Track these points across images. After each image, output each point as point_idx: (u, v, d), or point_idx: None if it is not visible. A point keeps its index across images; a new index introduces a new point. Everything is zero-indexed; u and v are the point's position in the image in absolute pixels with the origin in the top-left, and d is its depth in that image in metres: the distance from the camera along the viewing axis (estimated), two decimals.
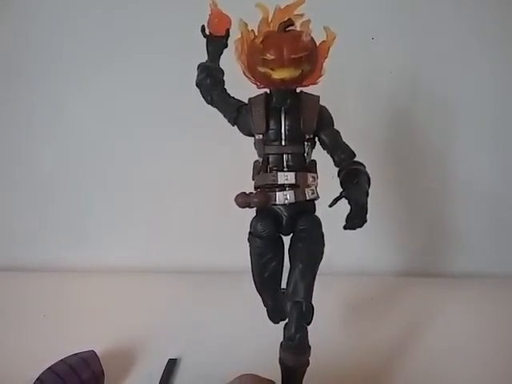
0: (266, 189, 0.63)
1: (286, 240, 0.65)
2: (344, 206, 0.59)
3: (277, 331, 0.63)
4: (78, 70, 1.09)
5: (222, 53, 0.68)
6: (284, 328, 0.62)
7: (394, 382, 0.75)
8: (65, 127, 1.14)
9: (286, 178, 0.62)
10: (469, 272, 1.12)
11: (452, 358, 0.81)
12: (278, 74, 0.60)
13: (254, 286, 0.67)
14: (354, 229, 0.59)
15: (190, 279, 1.08)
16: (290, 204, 0.62)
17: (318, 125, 0.63)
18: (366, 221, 0.59)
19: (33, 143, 1.15)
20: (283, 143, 0.63)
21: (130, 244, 1.18)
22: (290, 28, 0.61)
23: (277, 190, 0.62)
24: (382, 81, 1.06)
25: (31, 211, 1.19)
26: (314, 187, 0.64)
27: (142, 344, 0.85)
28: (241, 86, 0.64)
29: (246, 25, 0.62)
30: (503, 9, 1.02)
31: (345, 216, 0.59)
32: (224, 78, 0.68)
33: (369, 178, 0.62)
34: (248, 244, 0.64)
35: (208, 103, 0.67)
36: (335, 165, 0.65)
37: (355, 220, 0.59)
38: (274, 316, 0.70)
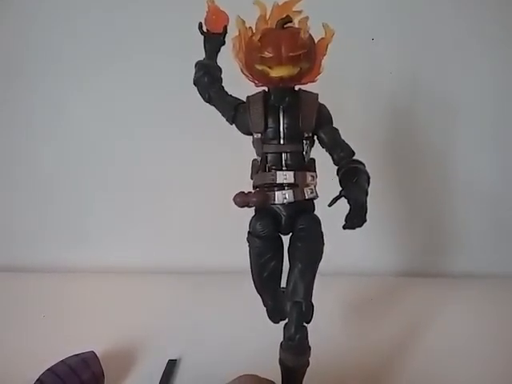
0: (264, 188, 0.63)
1: (286, 239, 0.64)
2: (343, 206, 0.59)
3: (277, 331, 0.63)
4: (77, 70, 1.09)
5: (219, 50, 0.67)
6: (284, 328, 0.62)
7: (394, 382, 0.75)
8: (65, 127, 1.14)
9: (285, 177, 0.62)
10: (469, 272, 1.12)
11: (452, 358, 0.80)
12: (276, 72, 0.60)
13: (253, 286, 0.67)
14: (354, 228, 0.59)
15: (189, 279, 1.08)
16: (289, 203, 0.62)
17: (317, 123, 0.63)
18: (365, 220, 0.59)
19: (33, 143, 1.15)
20: (282, 142, 0.63)
21: (130, 244, 1.18)
22: (288, 25, 0.60)
23: (275, 189, 0.62)
24: (381, 81, 1.06)
25: (31, 211, 1.19)
26: (313, 186, 0.63)
27: (141, 344, 0.85)
28: (239, 84, 0.64)
29: (244, 22, 0.61)
30: (503, 9, 1.02)
31: (344, 215, 0.59)
32: (222, 75, 0.67)
33: (368, 177, 0.62)
34: (247, 244, 0.64)
35: (206, 101, 0.67)
36: (334, 163, 0.65)
37: (355, 220, 0.58)
38: (274, 316, 0.70)
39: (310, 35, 0.60)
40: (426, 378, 0.76)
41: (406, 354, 0.81)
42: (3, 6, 1.07)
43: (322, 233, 0.63)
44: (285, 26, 0.60)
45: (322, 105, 0.64)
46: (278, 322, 0.69)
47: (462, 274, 1.13)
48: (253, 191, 0.63)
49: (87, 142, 1.14)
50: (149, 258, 1.15)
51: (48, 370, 0.69)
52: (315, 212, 0.65)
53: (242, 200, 0.61)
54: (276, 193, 0.62)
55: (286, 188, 0.62)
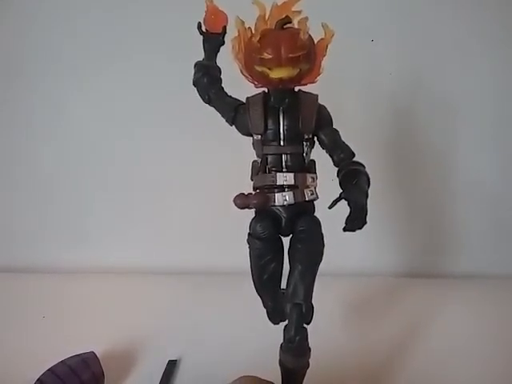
0: (264, 190, 0.63)
1: (286, 241, 0.64)
2: (344, 207, 0.59)
3: (277, 332, 0.63)
4: (77, 70, 1.10)
5: (218, 50, 0.67)
6: (284, 330, 0.62)
7: (394, 382, 0.75)
8: (65, 127, 1.14)
9: (285, 178, 0.62)
10: (469, 272, 1.12)
11: (452, 358, 0.81)
12: (275, 74, 0.59)
13: (253, 287, 0.67)
14: (354, 230, 0.59)
15: (189, 280, 1.08)
16: (289, 205, 0.62)
17: (317, 124, 0.63)
18: (365, 222, 0.59)
19: (33, 143, 1.15)
20: (282, 143, 0.62)
21: (130, 244, 1.18)
22: (288, 25, 0.60)
23: (276, 190, 0.62)
24: (381, 81, 1.06)
25: (31, 211, 1.19)
26: (313, 188, 0.63)
27: (142, 345, 0.85)
28: (239, 85, 0.63)
29: (243, 22, 0.61)
30: (503, 9, 1.02)
31: (344, 216, 0.59)
32: (221, 76, 0.67)
33: (368, 179, 0.62)
34: (247, 245, 0.64)
35: (205, 102, 0.66)
36: (334, 164, 0.65)
37: (355, 222, 0.58)
38: (274, 317, 0.70)
39: (310, 36, 0.60)
40: (426, 378, 0.76)
41: (406, 354, 0.81)
42: (3, 6, 1.07)
43: (322, 234, 0.63)
44: (284, 26, 0.60)
45: (322, 106, 0.64)
46: (278, 324, 0.69)
47: (462, 274, 1.13)
48: (253, 193, 0.63)
49: (87, 142, 1.14)
50: (149, 258, 1.15)
51: (48, 370, 0.69)
52: (315, 213, 0.65)
53: (242, 202, 0.60)
54: (276, 194, 0.62)
55: (286, 190, 0.62)
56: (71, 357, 0.72)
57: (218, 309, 0.95)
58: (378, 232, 1.12)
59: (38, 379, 0.68)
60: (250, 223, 0.63)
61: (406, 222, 1.15)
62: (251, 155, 0.65)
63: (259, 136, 0.63)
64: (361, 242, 1.05)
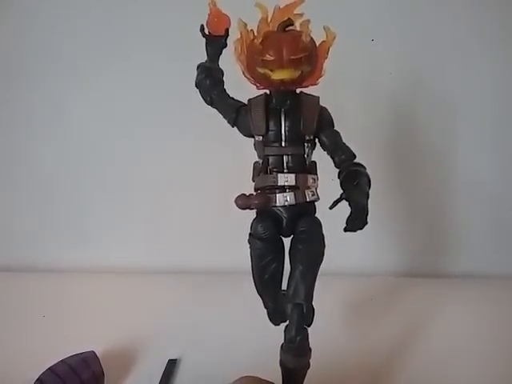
0: (266, 190, 0.63)
1: (287, 242, 0.64)
2: (344, 207, 0.59)
3: (277, 332, 0.63)
4: (77, 70, 1.09)
5: (221, 53, 0.67)
6: (284, 330, 0.62)
7: (394, 382, 0.75)
8: (65, 127, 1.14)
9: (286, 179, 0.62)
10: (469, 272, 1.12)
11: (452, 358, 0.81)
12: (277, 75, 0.60)
13: (253, 287, 0.67)
14: (355, 231, 0.59)
15: (189, 280, 1.08)
16: (290, 206, 0.62)
17: (318, 126, 0.63)
18: (366, 223, 0.59)
19: (33, 143, 1.15)
20: (283, 144, 0.63)
21: (130, 244, 1.18)
22: (290, 28, 0.60)
23: (277, 191, 0.62)
24: (382, 81, 1.06)
25: (31, 211, 1.19)
26: (314, 189, 0.64)
27: (142, 344, 0.85)
28: (241, 87, 0.64)
29: (246, 25, 0.61)
30: (503, 9, 1.02)
31: (345, 217, 0.59)
32: (224, 78, 0.67)
33: (369, 180, 0.62)
34: (248, 246, 0.64)
35: (207, 104, 0.67)
36: (335, 166, 0.65)
37: (356, 222, 0.58)
38: (275, 318, 0.70)
39: (312, 38, 0.60)
40: (426, 378, 0.76)
41: (406, 354, 0.82)
42: (3, 6, 1.07)
43: (323, 235, 0.63)
44: (286, 29, 0.60)
45: (323, 108, 0.65)
46: (278, 324, 0.69)
47: (462, 274, 1.13)
48: (254, 193, 0.63)
49: (87, 142, 1.14)
50: (149, 258, 1.15)
51: (48, 369, 0.69)
52: (316, 214, 0.65)
53: (243, 202, 0.61)
54: (277, 195, 0.62)
55: (287, 190, 0.62)
56: (71, 356, 0.72)
57: (218, 309, 0.95)
58: (378, 232, 1.13)
59: (38, 378, 0.68)
60: (251, 224, 0.63)
61: (406, 222, 1.15)
62: (252, 156, 0.65)
63: (261, 137, 0.63)
64: (361, 242, 1.05)
